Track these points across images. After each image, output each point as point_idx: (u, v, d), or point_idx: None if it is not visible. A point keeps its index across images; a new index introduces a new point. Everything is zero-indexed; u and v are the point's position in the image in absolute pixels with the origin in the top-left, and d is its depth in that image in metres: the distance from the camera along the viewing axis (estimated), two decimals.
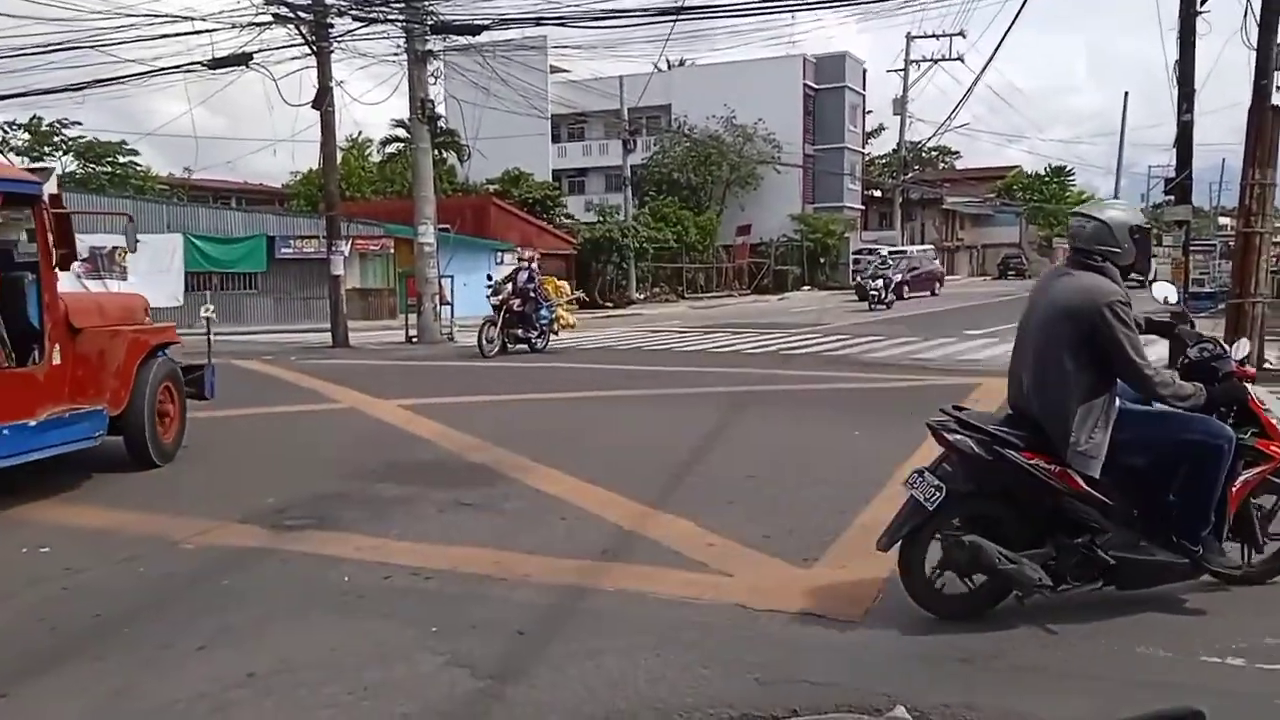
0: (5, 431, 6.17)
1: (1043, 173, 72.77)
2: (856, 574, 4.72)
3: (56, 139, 42.02)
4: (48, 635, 4.16)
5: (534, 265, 18.21)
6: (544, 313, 17.81)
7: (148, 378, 7.57)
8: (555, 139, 53.55)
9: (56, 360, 6.75)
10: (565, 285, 21.62)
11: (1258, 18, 12.19)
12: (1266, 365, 12.44)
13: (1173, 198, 14.54)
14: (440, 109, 25.30)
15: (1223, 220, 50.45)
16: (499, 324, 16.91)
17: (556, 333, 18.56)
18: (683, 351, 17.65)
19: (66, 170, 42.10)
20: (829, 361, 15.33)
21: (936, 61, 51.24)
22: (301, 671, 3.71)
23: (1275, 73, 12.21)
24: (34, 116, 40.61)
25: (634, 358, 16.60)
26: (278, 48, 20.28)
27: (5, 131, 41.45)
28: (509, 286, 17.31)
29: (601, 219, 39.84)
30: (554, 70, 44.70)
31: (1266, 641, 3.86)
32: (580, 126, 55.24)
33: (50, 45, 20.17)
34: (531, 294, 17.35)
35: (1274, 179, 12.49)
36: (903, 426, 8.73)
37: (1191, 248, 15.77)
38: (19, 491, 6.55)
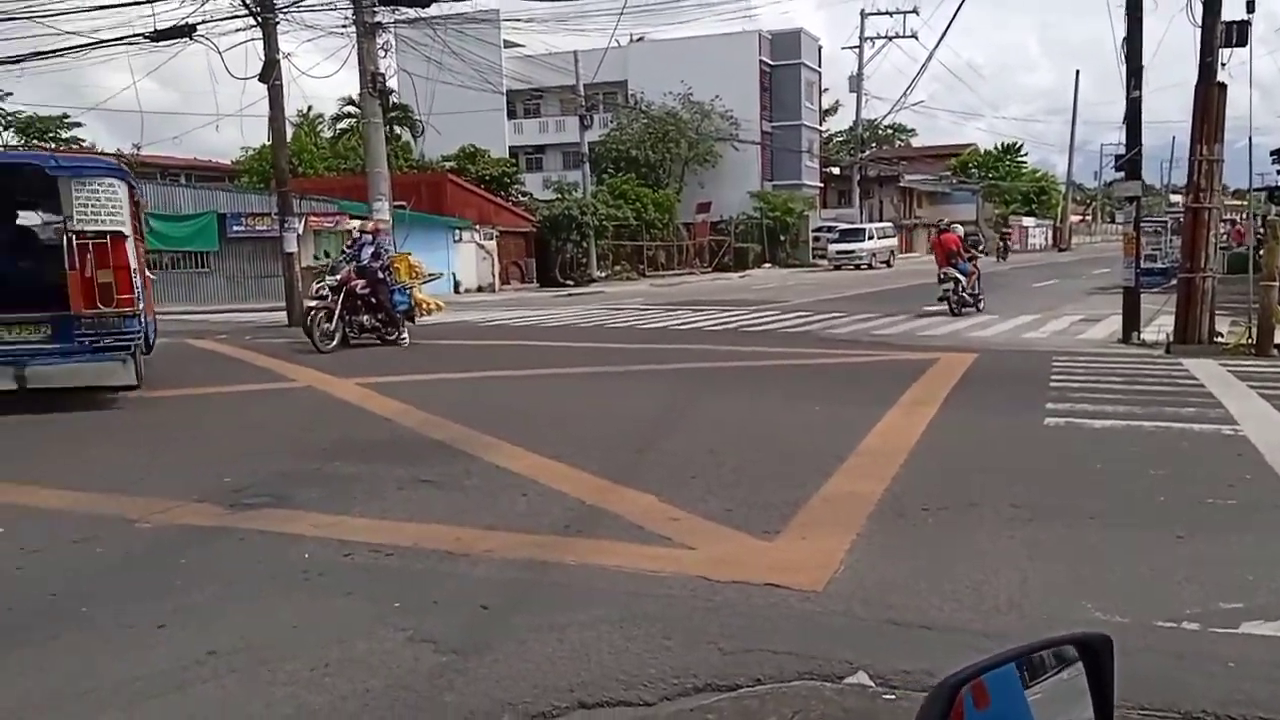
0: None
1: (997, 150, 73.62)
2: (818, 545, 4.77)
3: None
4: (4, 616, 4.08)
5: (379, 237, 15.11)
6: (399, 297, 14.94)
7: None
8: (511, 115, 53.05)
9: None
10: (421, 264, 18.09)
11: None
12: (1217, 339, 12.74)
13: (1123, 174, 14.78)
14: (392, 83, 24.91)
15: (1173, 198, 51.49)
16: (337, 310, 13.98)
17: (413, 319, 15.61)
18: (645, 329, 17.65)
19: (7, 146, 41.00)
20: (790, 338, 15.42)
21: (891, 39, 51.61)
22: (262, 649, 3.67)
23: (1220, 50, 12.43)
24: None
25: (596, 335, 16.58)
26: (222, 19, 19.91)
27: None
28: (348, 265, 14.42)
29: (560, 196, 39.62)
30: (508, 45, 44.23)
31: (1220, 606, 3.95)
32: (536, 103, 54.76)
33: None
34: (378, 273, 14.52)
35: (1221, 155, 12.74)
36: (862, 401, 8.85)
37: (1142, 224, 15.98)
38: None
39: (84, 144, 42.83)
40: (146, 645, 3.74)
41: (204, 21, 19.16)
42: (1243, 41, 12.64)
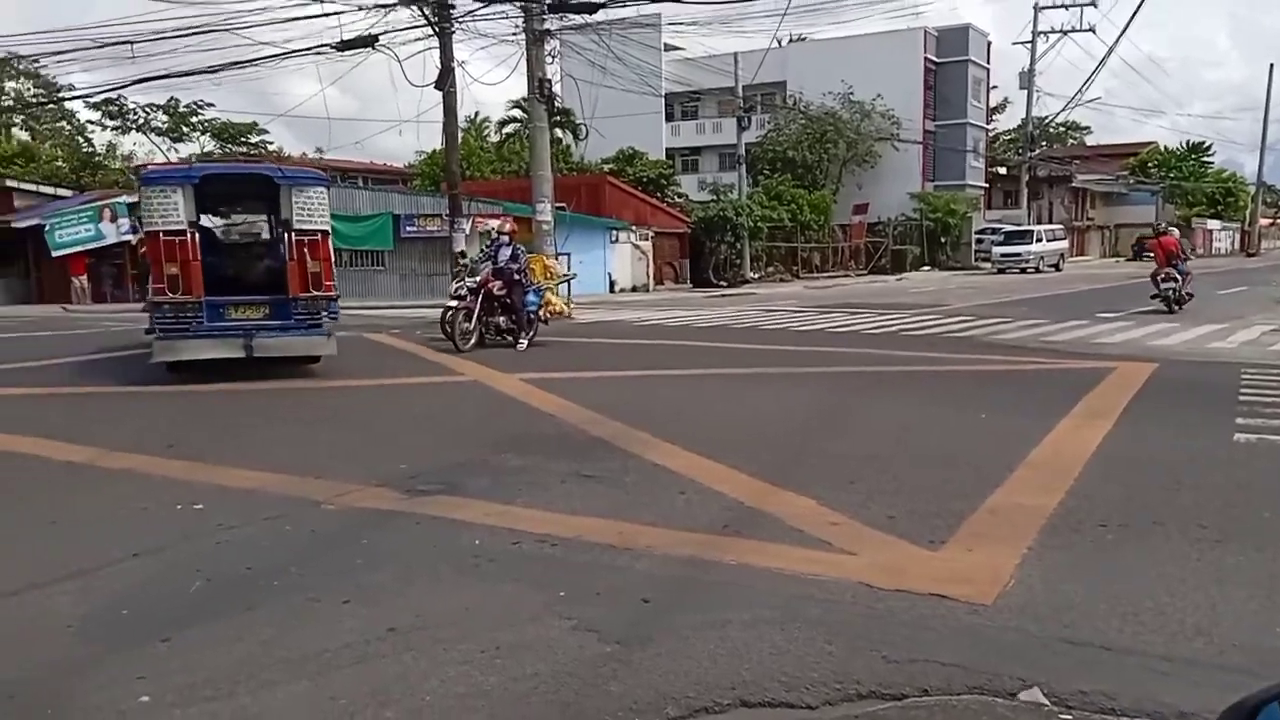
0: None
1: (1180, 149, 69.15)
2: (986, 557, 4.63)
3: (194, 119, 44.14)
4: (204, 586, 4.42)
5: (514, 238, 14.87)
6: (531, 298, 14.74)
7: None
8: (669, 117, 53.47)
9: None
10: (556, 264, 17.51)
11: None
12: None
13: None
14: (557, 88, 25.58)
15: None
16: (475, 311, 14.05)
17: (545, 321, 15.54)
18: (799, 331, 17.48)
19: (204, 151, 44.27)
20: (952, 343, 14.95)
21: (1066, 33, 49.27)
22: (438, 628, 3.85)
23: None
24: (171, 98, 42.70)
25: (750, 337, 16.54)
26: (402, 29, 20.95)
27: (146, 113, 43.77)
28: (486, 266, 14.44)
29: (715, 198, 39.69)
30: (668, 48, 44.60)
31: None
32: (694, 105, 55.07)
33: (189, 29, 21.25)
34: (515, 275, 14.44)
35: None
36: (1032, 410, 8.51)
37: None
38: (172, 452, 7.03)
39: (270, 149, 45.77)
40: (333, 620, 3.98)
41: (385, 32, 20.28)
42: None
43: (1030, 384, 10.80)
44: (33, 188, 32.76)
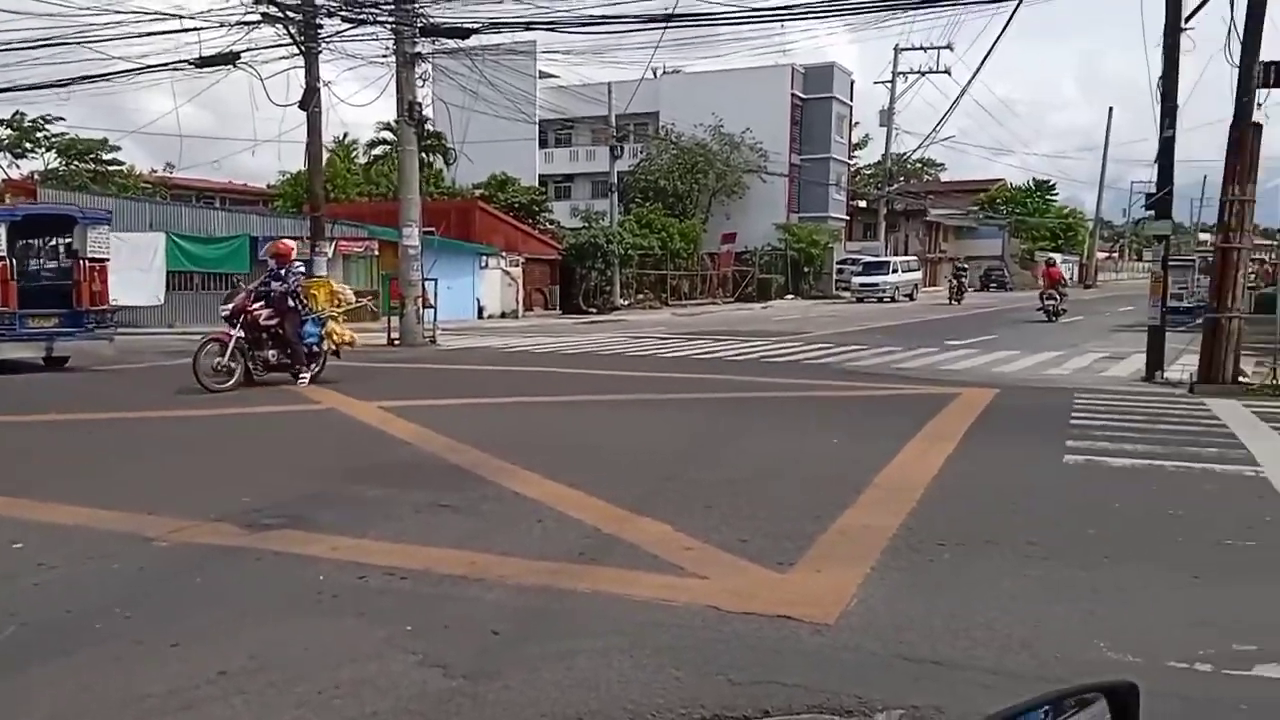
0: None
1: (1026, 186, 73.48)
2: (831, 578, 4.75)
3: (39, 135, 41.67)
4: (18, 631, 4.12)
5: (288, 261, 12.79)
6: (310, 328, 12.88)
7: None
8: (542, 144, 53.59)
9: None
10: (346, 290, 15.08)
11: (1241, 37, 12.33)
12: (1242, 379, 12.59)
13: (1153, 213, 14.69)
14: (428, 112, 25.30)
15: (1203, 236, 51.16)
16: (231, 344, 11.88)
17: (337, 353, 13.62)
18: (665, 358, 17.69)
19: (49, 167, 41.83)
20: (810, 370, 15.40)
21: (924, 74, 51.73)
22: (273, 670, 3.69)
23: (1257, 91, 12.34)
24: (17, 112, 40.23)
25: (616, 363, 16.62)
26: (266, 47, 20.28)
27: None
28: (244, 292, 12.56)
29: (587, 225, 39.89)
30: (543, 75, 44.72)
31: (1234, 648, 3.90)
32: (568, 132, 55.26)
33: (37, 40, 20.08)
34: (289, 302, 12.52)
35: (1253, 195, 12.64)
36: (881, 434, 8.81)
37: (1170, 263, 15.75)
38: None
39: (122, 166, 43.60)
40: (158, 663, 3.76)
41: (249, 49, 19.58)
42: None
43: (881, 409, 11.20)
44: None
